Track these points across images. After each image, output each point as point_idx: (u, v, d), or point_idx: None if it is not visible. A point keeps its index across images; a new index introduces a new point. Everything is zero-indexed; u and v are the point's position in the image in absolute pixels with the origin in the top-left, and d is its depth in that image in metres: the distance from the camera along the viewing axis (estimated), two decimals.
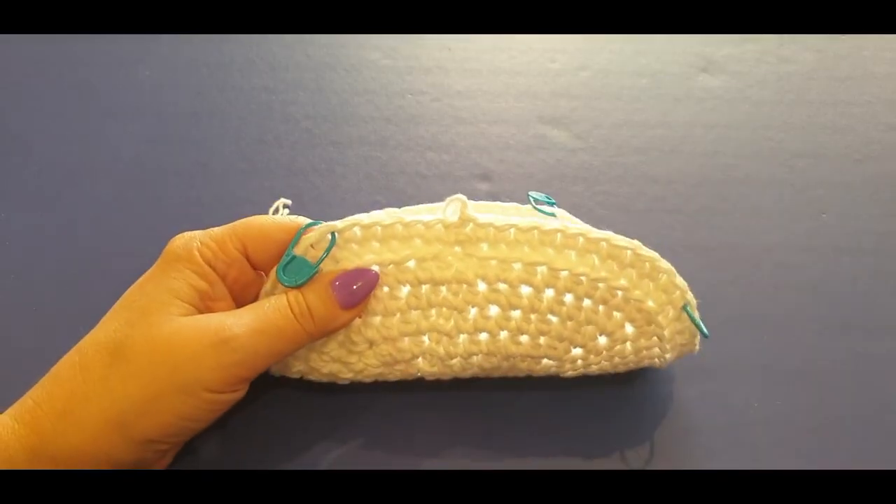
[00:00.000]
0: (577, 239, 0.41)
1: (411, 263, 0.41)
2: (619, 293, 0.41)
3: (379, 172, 0.53)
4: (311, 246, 0.40)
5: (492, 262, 0.41)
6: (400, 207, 0.46)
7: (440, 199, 0.43)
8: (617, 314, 0.42)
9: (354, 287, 0.39)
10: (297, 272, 0.39)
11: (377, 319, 0.42)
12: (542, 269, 0.41)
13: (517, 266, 0.41)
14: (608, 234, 0.41)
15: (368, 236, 0.41)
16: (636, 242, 0.40)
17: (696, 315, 0.41)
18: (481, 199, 0.52)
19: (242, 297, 0.41)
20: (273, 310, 0.38)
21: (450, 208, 0.41)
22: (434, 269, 0.41)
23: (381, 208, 0.45)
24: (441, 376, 0.44)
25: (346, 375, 0.43)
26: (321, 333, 0.39)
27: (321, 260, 0.39)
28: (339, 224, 0.40)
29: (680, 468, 0.40)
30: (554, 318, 0.42)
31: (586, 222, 0.44)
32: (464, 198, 0.40)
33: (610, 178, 0.53)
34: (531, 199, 0.48)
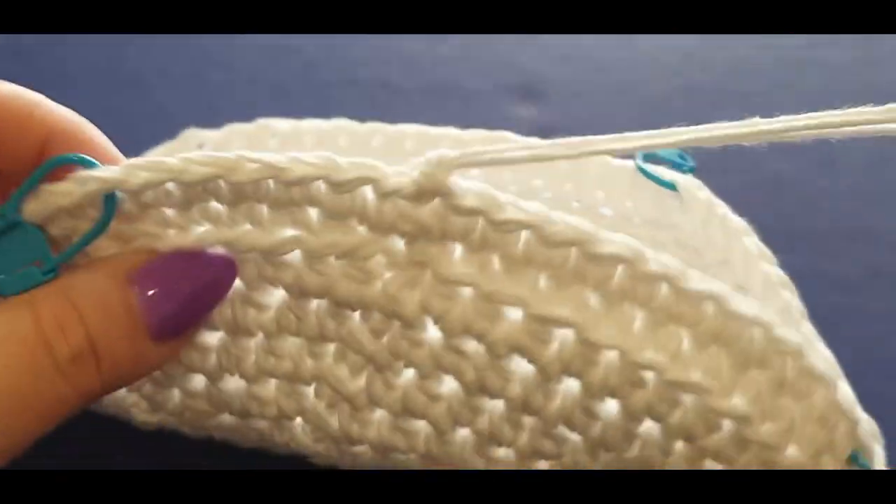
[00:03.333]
0: (657, 285, 0.22)
1: (294, 256, 0.23)
2: (727, 424, 0.22)
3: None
4: (66, 211, 0.21)
5: (465, 293, 0.23)
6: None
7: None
8: (711, 464, 0.23)
9: (182, 289, 0.22)
10: (16, 261, 0.20)
11: (216, 337, 0.26)
12: (567, 335, 0.23)
13: (515, 315, 0.23)
14: (720, 290, 0.22)
15: (196, 196, 0.22)
16: (767, 318, 0.22)
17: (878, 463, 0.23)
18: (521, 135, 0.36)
19: None
20: (5, 353, 0.19)
21: (414, 162, 0.22)
22: (341, 279, 0.23)
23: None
24: (334, 462, 0.28)
25: (148, 418, 0.29)
26: (110, 391, 0.21)
27: (77, 247, 0.21)
28: (118, 171, 0.21)
29: None
30: (572, 436, 0.25)
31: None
32: (448, 154, 0.22)
33: None
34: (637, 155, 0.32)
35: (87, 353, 0.20)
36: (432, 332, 0.24)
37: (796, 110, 0.53)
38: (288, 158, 0.22)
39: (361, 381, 0.25)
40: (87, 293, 0.20)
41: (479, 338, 0.23)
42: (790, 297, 0.30)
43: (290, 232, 0.23)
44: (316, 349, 0.25)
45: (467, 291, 0.23)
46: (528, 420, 0.25)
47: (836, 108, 0.56)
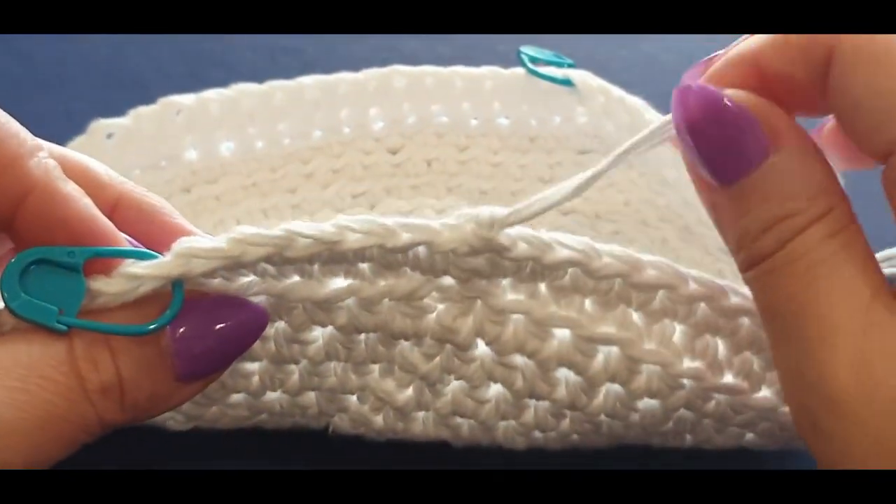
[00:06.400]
0: (695, 305, 0.24)
1: (350, 302, 0.24)
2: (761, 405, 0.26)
3: None
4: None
5: (516, 317, 0.24)
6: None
7: None
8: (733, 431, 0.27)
9: (214, 335, 0.22)
10: (47, 295, 0.21)
11: (256, 367, 0.27)
12: (612, 350, 0.25)
13: (563, 334, 0.25)
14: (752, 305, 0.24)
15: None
16: None
17: None
18: None
19: None
20: (40, 376, 0.20)
21: (465, 216, 0.23)
22: (397, 316, 0.24)
23: None
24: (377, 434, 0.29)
25: (183, 427, 0.29)
26: (128, 423, 0.22)
27: (158, 324, 0.21)
28: (174, 266, 0.21)
29: None
30: (612, 422, 0.27)
31: None
32: (498, 213, 0.22)
33: None
34: (523, 60, 0.39)
35: (115, 386, 0.21)
36: (483, 349, 0.25)
37: None
38: (338, 229, 0.22)
39: (409, 392, 0.26)
40: (124, 336, 0.21)
41: (530, 355, 0.25)
42: None
43: (342, 282, 0.23)
44: (362, 369, 0.26)
45: (518, 316, 0.24)
46: (571, 414, 0.27)
47: None
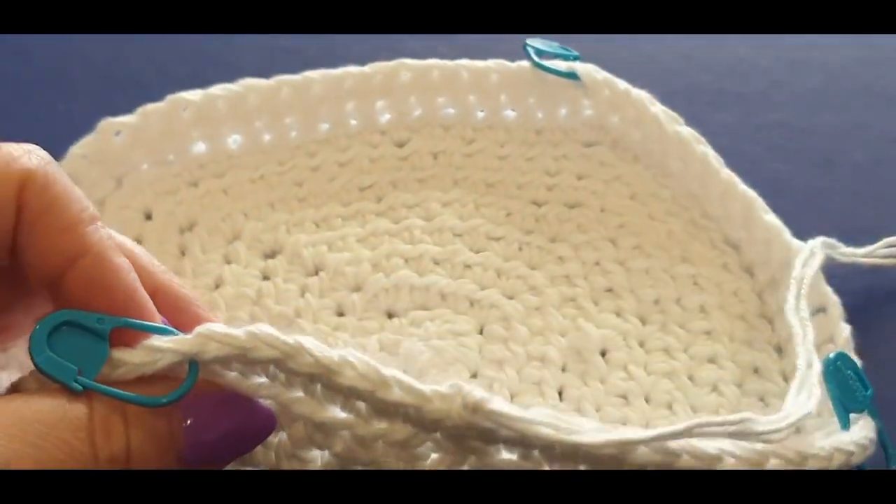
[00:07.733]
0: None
1: (346, 434, 0.25)
2: None
3: None
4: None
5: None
6: None
7: None
8: None
9: (223, 426, 0.23)
10: (71, 356, 0.22)
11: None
12: None
13: None
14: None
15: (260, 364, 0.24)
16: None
17: None
18: None
19: None
20: (57, 437, 0.21)
21: (454, 390, 0.24)
22: (391, 457, 0.25)
23: None
24: None
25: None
26: None
27: (172, 398, 0.22)
28: (192, 344, 0.23)
29: None
30: None
31: None
32: (486, 405, 0.23)
33: None
34: (529, 53, 0.41)
35: (123, 456, 0.22)
36: None
37: (796, 110, 0.54)
38: (341, 360, 0.23)
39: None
40: (139, 410, 0.22)
41: None
42: (706, 149, 0.39)
43: (340, 413, 0.25)
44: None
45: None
46: None
47: (835, 109, 0.56)
